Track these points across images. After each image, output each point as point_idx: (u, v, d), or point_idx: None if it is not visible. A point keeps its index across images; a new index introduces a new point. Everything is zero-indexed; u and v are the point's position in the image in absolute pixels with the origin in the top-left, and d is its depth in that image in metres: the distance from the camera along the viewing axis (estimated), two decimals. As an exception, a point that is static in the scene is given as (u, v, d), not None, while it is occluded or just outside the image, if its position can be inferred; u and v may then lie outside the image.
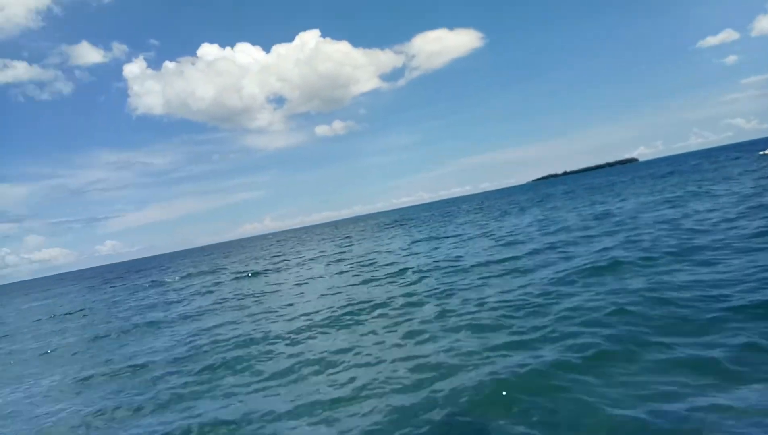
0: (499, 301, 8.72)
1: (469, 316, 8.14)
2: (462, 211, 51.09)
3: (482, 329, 7.37)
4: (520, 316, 7.66)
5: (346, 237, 44.64)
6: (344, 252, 26.56)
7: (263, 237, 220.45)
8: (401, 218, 70.40)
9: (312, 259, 25.88)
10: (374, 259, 19.85)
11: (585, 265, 10.25)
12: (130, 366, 9.22)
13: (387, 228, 47.05)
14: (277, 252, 42.11)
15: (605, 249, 11.68)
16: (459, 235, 23.45)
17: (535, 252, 13.36)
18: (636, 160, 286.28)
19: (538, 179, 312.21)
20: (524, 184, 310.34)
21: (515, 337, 6.70)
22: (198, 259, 62.95)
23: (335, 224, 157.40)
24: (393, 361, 6.68)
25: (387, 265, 16.87)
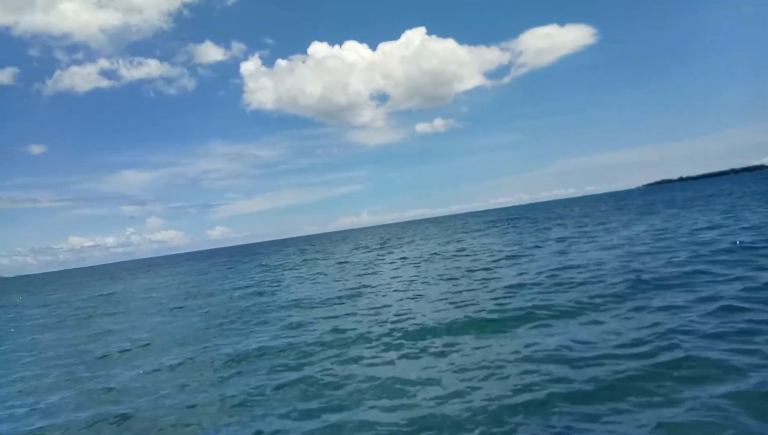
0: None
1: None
2: (573, 215, 48.59)
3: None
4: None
5: (447, 234, 44.28)
6: (463, 249, 26.35)
7: (361, 230, 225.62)
8: (501, 218, 68.60)
9: (436, 254, 25.96)
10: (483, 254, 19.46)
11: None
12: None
13: (491, 228, 45.99)
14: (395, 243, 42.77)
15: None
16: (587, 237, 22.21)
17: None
18: (766, 167, 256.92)
19: (650, 184, 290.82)
20: (634, 189, 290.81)
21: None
22: (305, 247, 65.58)
23: (433, 221, 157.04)
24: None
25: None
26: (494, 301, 10.58)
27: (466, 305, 10.63)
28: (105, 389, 8.09)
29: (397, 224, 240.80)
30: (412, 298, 12.69)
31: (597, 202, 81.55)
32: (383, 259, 26.78)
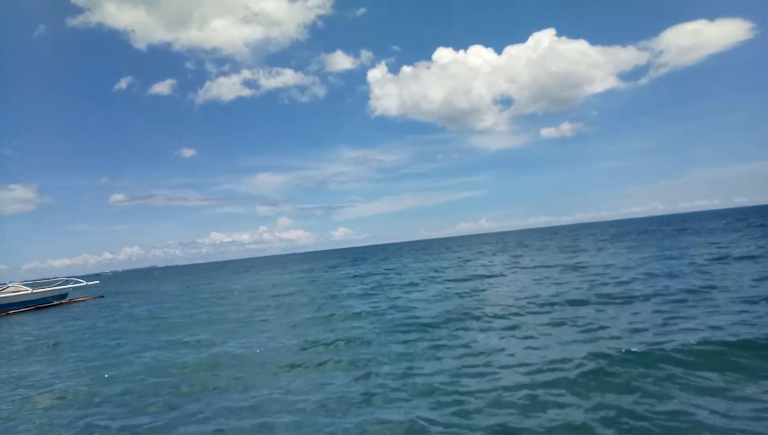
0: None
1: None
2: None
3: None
4: None
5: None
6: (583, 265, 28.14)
7: (479, 236, 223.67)
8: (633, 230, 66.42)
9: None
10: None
11: None
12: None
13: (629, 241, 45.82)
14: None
15: None
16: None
17: None
18: None
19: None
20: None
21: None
22: (432, 252, 68.89)
23: (556, 231, 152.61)
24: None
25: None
26: None
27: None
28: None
29: (518, 232, 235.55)
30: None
31: (746, 215, 74.78)
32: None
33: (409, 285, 23.11)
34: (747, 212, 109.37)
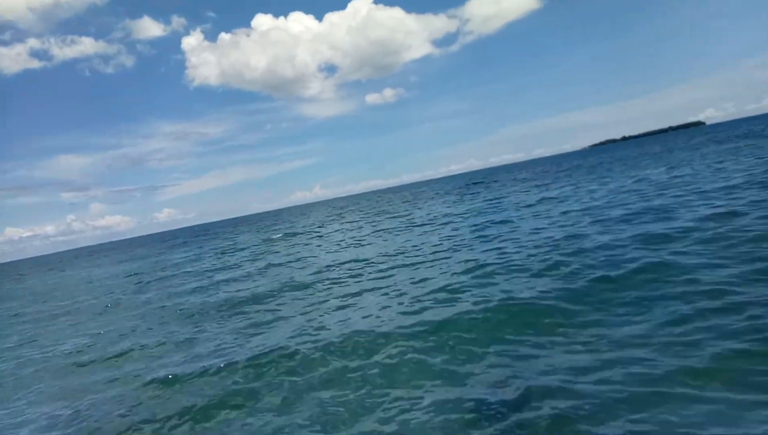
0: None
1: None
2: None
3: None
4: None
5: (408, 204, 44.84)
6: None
7: (315, 204, 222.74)
8: (456, 187, 69.86)
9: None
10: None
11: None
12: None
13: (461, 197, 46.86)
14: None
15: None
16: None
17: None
18: (703, 123, 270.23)
19: (595, 145, 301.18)
20: (580, 151, 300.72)
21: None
22: (270, 225, 64.96)
23: (389, 191, 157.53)
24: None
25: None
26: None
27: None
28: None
29: (350, 197, 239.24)
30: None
31: (538, 165, 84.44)
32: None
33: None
34: (544, 162, 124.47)
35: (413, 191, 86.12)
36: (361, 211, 48.64)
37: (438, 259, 12.13)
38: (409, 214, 29.28)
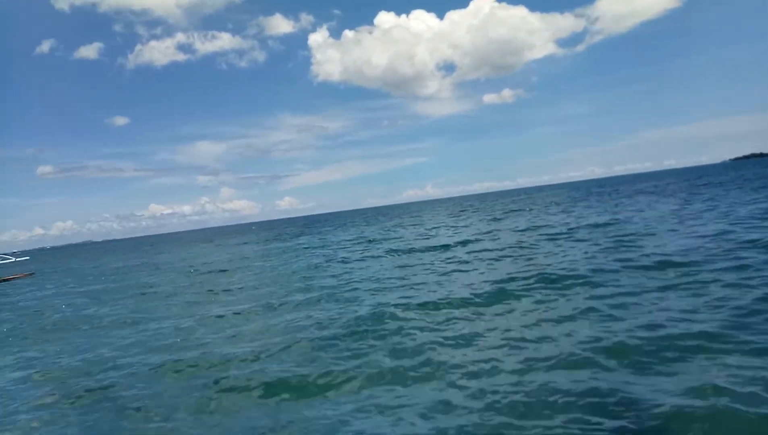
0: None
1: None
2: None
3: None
4: None
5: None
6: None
7: (427, 202, 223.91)
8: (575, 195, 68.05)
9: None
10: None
11: None
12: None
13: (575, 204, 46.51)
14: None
15: None
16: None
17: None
18: None
19: (738, 158, 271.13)
20: (717, 163, 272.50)
21: None
22: (392, 219, 68.08)
23: (502, 195, 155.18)
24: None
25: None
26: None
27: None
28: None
29: (463, 197, 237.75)
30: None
31: (673, 177, 78.34)
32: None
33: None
34: (679, 174, 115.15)
35: (543, 195, 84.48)
36: (491, 211, 49.41)
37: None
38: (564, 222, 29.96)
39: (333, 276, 16.38)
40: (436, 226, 36.39)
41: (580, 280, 10.46)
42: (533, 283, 10.84)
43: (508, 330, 7.77)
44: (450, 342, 7.53)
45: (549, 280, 10.88)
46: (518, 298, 9.88)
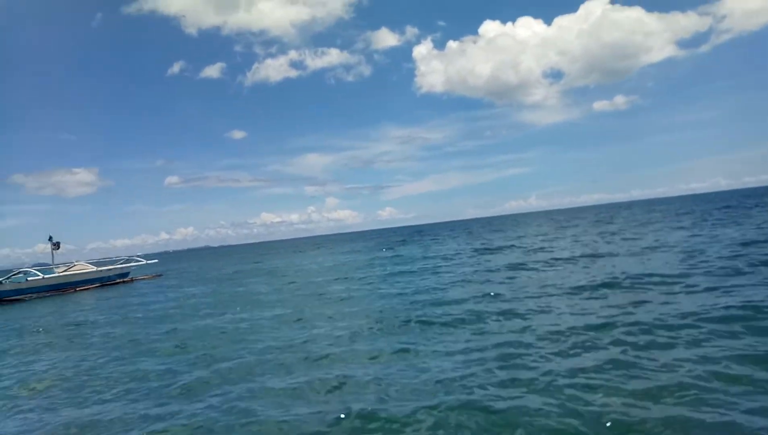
0: None
1: None
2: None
3: None
4: None
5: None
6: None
7: (529, 214, 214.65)
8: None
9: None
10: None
11: None
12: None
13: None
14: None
15: None
16: None
17: None
18: None
19: None
20: None
21: None
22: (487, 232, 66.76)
23: (615, 207, 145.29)
24: None
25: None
26: None
27: None
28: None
29: (569, 210, 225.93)
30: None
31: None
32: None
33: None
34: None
35: (659, 209, 78.07)
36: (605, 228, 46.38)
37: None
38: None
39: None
40: (559, 237, 34.61)
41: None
42: None
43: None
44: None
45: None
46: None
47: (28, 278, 31.63)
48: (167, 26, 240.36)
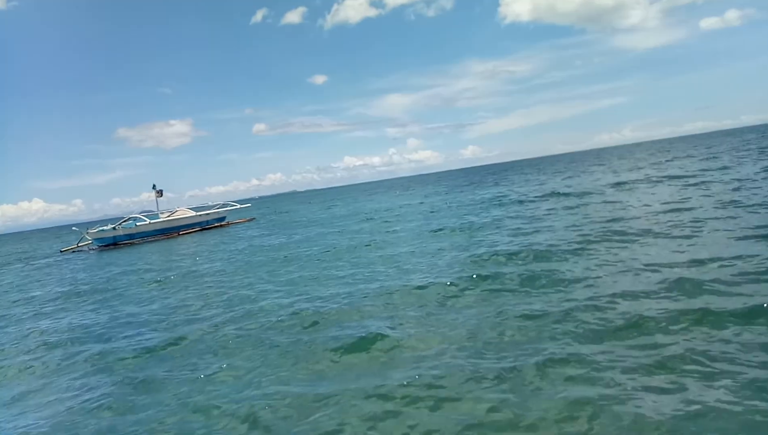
0: None
1: None
2: None
3: None
4: None
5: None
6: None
7: (626, 147, 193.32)
8: None
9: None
10: None
11: None
12: None
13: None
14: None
15: None
16: None
17: None
18: None
19: None
20: None
21: None
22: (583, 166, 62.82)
23: (725, 133, 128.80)
24: None
25: None
26: None
27: None
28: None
29: (669, 140, 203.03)
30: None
31: None
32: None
33: None
34: None
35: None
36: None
37: None
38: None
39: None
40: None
41: None
42: None
43: None
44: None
45: None
46: None
47: (137, 224, 34.07)
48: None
